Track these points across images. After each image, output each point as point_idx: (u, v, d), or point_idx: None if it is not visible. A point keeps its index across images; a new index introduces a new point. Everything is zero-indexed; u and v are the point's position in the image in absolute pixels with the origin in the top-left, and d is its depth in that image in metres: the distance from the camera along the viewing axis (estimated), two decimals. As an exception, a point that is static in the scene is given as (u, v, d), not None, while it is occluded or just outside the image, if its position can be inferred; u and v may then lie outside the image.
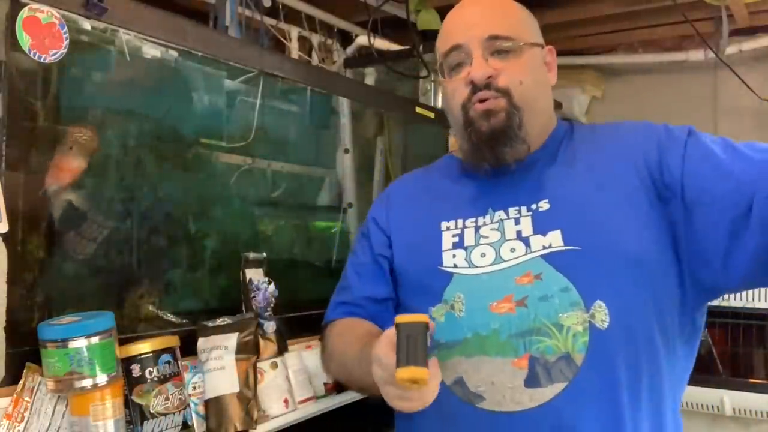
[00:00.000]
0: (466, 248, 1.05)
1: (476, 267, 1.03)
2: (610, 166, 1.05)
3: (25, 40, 0.98)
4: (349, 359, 1.09)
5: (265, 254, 1.41)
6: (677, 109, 2.67)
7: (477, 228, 1.07)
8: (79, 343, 0.96)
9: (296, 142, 1.91)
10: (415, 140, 2.28)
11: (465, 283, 1.03)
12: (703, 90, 2.75)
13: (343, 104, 1.99)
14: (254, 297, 1.34)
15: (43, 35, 1.00)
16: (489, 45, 1.05)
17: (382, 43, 2.26)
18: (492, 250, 1.03)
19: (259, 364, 1.27)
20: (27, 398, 0.97)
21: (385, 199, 1.25)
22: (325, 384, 1.44)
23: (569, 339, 0.95)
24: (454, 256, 1.06)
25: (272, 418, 1.27)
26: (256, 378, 1.24)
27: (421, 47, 2.12)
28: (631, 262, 0.98)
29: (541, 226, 1.02)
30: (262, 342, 1.30)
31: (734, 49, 2.54)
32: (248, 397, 1.20)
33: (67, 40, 1.04)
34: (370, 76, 2.37)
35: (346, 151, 2.01)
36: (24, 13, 0.98)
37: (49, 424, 0.99)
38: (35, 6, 1.00)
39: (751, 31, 2.56)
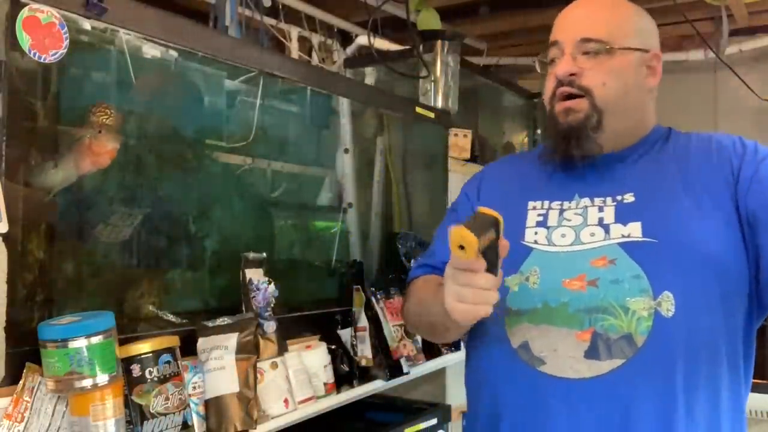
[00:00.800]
0: (548, 228, 1.11)
1: (555, 245, 1.08)
2: (699, 170, 1.09)
3: (25, 40, 0.98)
4: (427, 296, 1.16)
5: (265, 254, 1.41)
6: (677, 109, 2.66)
7: (561, 211, 1.12)
8: (79, 343, 0.96)
9: (296, 142, 1.91)
10: (415, 140, 2.28)
11: (542, 258, 1.08)
12: (703, 90, 2.75)
13: (343, 104, 1.99)
14: (254, 297, 1.34)
15: (43, 35, 1.00)
16: (580, 46, 1.10)
17: (382, 43, 2.26)
18: (572, 233, 1.08)
19: (259, 364, 1.27)
20: (27, 398, 0.97)
21: (479, 177, 1.31)
22: (325, 384, 1.44)
23: (633, 321, 0.99)
24: (536, 233, 1.11)
25: (272, 418, 1.27)
26: (256, 378, 1.24)
27: (421, 47, 2.12)
28: (706, 262, 1.01)
29: (623, 216, 1.07)
30: (262, 342, 1.30)
31: (734, 49, 2.54)
32: (248, 397, 1.20)
33: (67, 40, 1.03)
34: (370, 76, 2.36)
35: (346, 151, 2.01)
36: (24, 13, 0.98)
37: (49, 424, 0.99)
38: (35, 6, 1.00)
39: (751, 31, 2.56)
